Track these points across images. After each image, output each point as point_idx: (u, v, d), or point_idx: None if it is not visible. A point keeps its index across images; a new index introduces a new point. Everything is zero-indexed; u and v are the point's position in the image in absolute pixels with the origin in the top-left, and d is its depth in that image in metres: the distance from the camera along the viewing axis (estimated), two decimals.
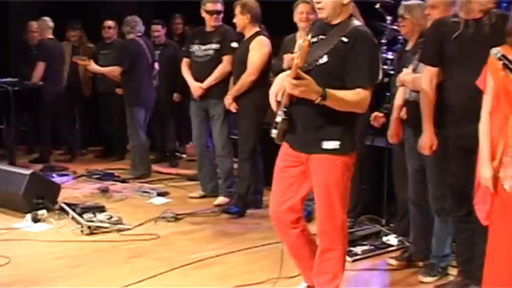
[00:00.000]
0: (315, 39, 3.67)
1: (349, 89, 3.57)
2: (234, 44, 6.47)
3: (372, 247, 5.23)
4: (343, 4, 3.67)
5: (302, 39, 3.57)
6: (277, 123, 3.68)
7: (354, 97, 3.56)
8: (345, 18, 3.68)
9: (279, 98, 3.67)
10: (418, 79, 4.36)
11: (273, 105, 3.71)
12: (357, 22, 3.70)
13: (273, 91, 3.73)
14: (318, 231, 3.87)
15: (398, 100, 4.91)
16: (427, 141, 4.25)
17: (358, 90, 3.57)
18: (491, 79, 3.58)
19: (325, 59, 3.60)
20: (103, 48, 9.04)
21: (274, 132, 3.69)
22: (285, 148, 3.86)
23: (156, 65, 8.21)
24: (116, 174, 7.97)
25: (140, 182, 7.64)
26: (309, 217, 5.74)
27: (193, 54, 6.70)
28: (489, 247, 3.67)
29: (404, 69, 4.72)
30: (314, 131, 3.68)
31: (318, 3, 3.68)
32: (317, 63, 3.61)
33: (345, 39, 3.59)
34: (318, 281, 3.91)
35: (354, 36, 3.60)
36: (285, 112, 3.62)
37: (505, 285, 3.59)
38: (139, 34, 7.92)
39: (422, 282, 4.61)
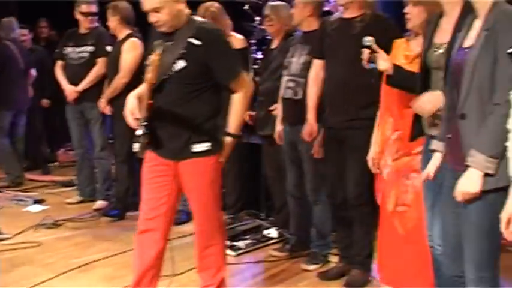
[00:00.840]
0: (162, 47, 3.56)
1: (224, 85, 3.67)
2: (109, 48, 6.43)
3: (254, 241, 5.36)
4: (179, 9, 3.59)
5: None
6: (138, 137, 3.54)
7: (241, 105, 3.70)
8: (186, 19, 3.63)
9: (137, 115, 3.55)
10: None
11: (132, 124, 3.57)
12: (198, 19, 3.70)
13: (128, 110, 3.56)
14: (196, 231, 3.87)
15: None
16: (309, 129, 4.45)
17: (237, 96, 3.67)
18: None
19: (182, 63, 3.55)
20: None
21: (136, 147, 3.54)
22: (151, 158, 3.75)
23: (33, 71, 8.00)
24: None
25: (14, 191, 7.44)
26: (189, 217, 5.86)
27: (67, 57, 6.62)
28: (379, 228, 3.98)
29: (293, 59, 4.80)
30: (181, 137, 3.64)
31: (156, 22, 3.58)
32: (174, 70, 3.57)
33: (196, 42, 3.55)
34: (203, 276, 3.94)
35: (204, 36, 3.57)
36: (145, 126, 3.52)
37: (394, 268, 3.91)
38: (12, 38, 7.71)
39: (306, 270, 4.77)
